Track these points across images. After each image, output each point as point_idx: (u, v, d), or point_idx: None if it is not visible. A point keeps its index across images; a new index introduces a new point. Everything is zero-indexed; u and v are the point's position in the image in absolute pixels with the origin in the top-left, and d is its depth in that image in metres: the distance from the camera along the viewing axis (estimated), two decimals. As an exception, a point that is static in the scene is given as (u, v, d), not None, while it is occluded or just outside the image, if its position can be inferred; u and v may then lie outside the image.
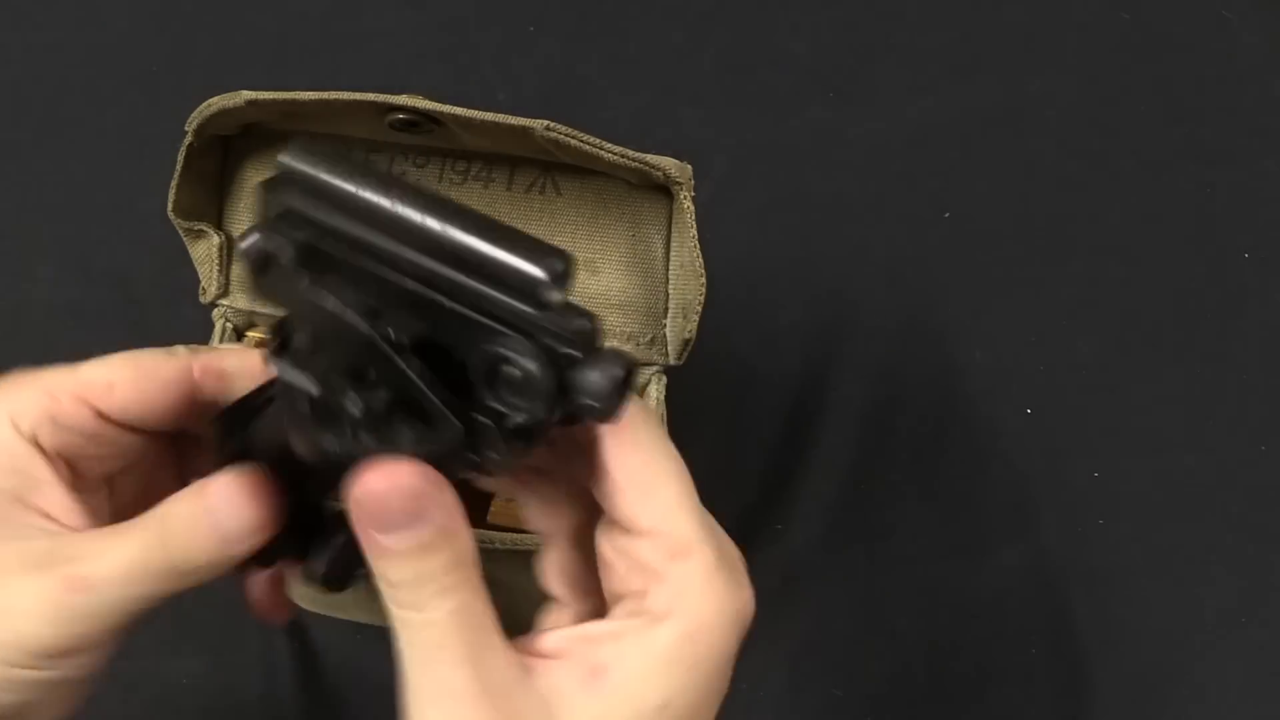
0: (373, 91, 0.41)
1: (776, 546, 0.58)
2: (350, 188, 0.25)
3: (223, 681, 0.55)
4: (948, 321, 0.65)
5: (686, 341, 0.44)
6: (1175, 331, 0.64)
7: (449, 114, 0.40)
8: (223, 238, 0.47)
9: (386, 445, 0.26)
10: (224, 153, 0.47)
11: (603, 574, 0.30)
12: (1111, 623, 0.56)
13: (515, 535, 0.41)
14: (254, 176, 0.46)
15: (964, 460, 0.61)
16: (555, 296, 0.24)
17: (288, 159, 0.26)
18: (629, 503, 0.28)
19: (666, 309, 0.45)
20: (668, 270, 0.44)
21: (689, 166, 0.41)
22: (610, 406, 0.25)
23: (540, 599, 0.32)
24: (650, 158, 0.41)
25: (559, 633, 0.29)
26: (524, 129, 0.40)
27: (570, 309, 0.25)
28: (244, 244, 0.26)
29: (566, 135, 0.40)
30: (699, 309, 0.43)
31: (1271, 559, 0.58)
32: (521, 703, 0.27)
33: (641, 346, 0.46)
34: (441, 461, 0.26)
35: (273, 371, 0.28)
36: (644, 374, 0.47)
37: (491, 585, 0.43)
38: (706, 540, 0.28)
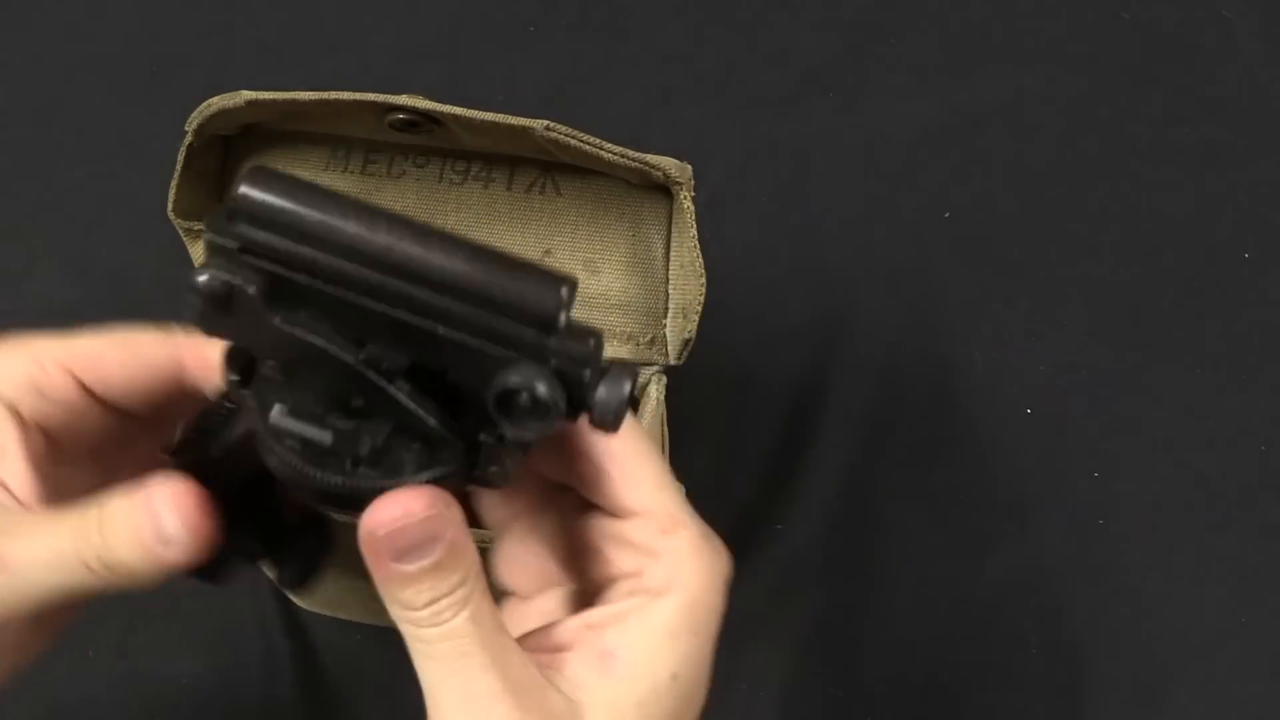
0: (373, 91, 0.41)
1: (776, 546, 0.58)
2: (326, 219, 0.25)
3: (223, 681, 0.55)
4: (948, 321, 0.65)
5: (686, 341, 0.44)
6: (1175, 331, 0.64)
7: (449, 114, 0.40)
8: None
9: (390, 475, 0.26)
10: (224, 153, 0.47)
11: (590, 562, 0.31)
12: (1111, 623, 0.56)
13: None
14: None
15: (964, 460, 0.61)
16: (564, 322, 0.25)
17: (248, 191, 0.25)
18: (617, 487, 0.29)
19: (666, 309, 0.45)
20: (668, 270, 0.44)
21: (689, 166, 0.41)
22: (617, 421, 0.26)
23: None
24: (650, 158, 0.41)
25: (562, 625, 0.29)
26: (524, 129, 0.40)
27: (574, 329, 0.25)
28: (200, 279, 0.25)
29: (566, 135, 0.40)
30: (699, 309, 0.43)
31: (1271, 559, 0.58)
32: (547, 698, 0.27)
33: (641, 346, 0.46)
34: (443, 480, 0.26)
35: (250, 405, 0.27)
36: (644, 374, 0.47)
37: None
38: (689, 513, 0.30)
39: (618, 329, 0.45)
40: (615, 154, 0.41)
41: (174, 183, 0.44)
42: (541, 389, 0.24)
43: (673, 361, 0.46)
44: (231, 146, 0.47)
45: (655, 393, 0.46)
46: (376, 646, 0.56)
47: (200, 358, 0.32)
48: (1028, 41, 0.76)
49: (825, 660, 0.56)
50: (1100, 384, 0.63)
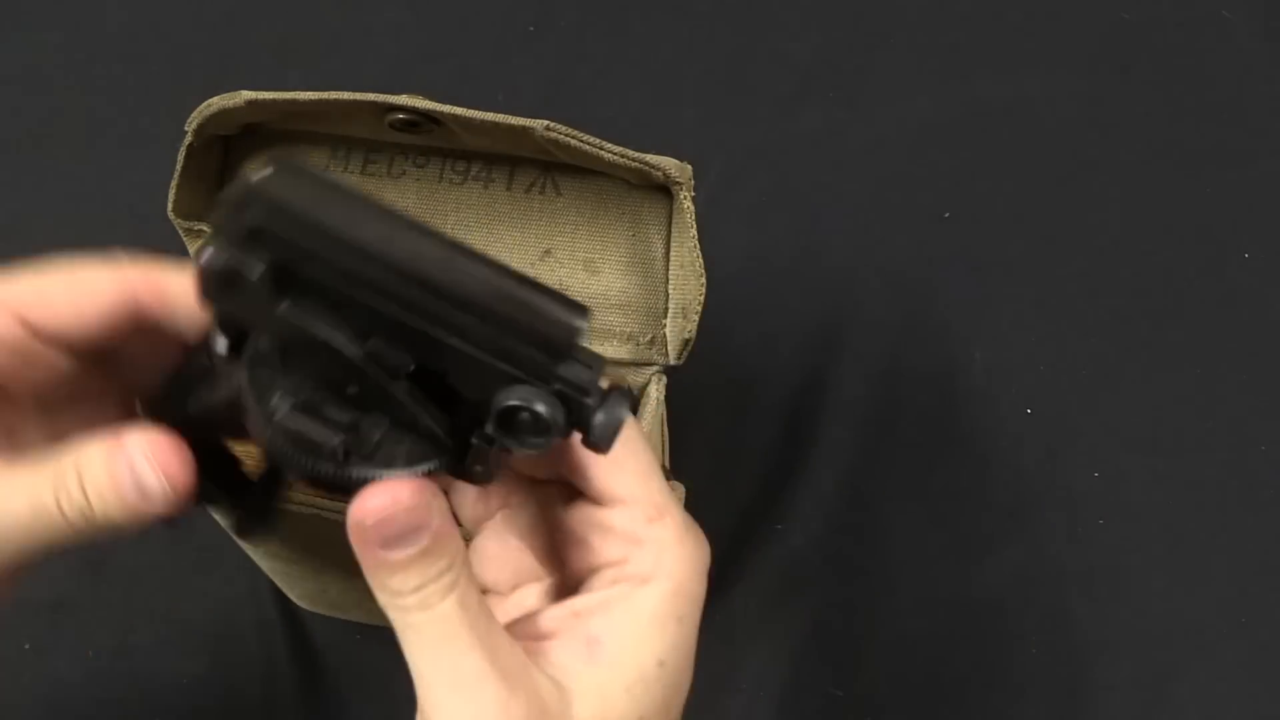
0: (373, 91, 0.41)
1: (776, 546, 0.58)
2: (353, 223, 0.25)
3: (223, 681, 0.55)
4: (948, 321, 0.65)
5: (686, 341, 0.44)
6: (1175, 331, 0.64)
7: (449, 114, 0.40)
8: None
9: (381, 466, 0.26)
10: (224, 153, 0.47)
11: (573, 551, 0.31)
12: (1111, 623, 0.56)
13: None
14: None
15: (964, 460, 0.61)
16: (579, 352, 0.26)
17: (275, 181, 0.24)
18: (604, 476, 0.30)
19: (666, 309, 0.45)
20: (668, 270, 0.44)
21: (689, 166, 0.41)
22: (610, 444, 0.27)
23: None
24: (650, 158, 0.41)
25: (547, 613, 0.30)
26: (524, 129, 0.40)
27: (581, 353, 0.26)
28: (204, 258, 0.25)
29: (566, 135, 0.40)
30: (699, 309, 0.43)
31: (1271, 559, 0.58)
32: (535, 681, 0.27)
33: (641, 346, 0.46)
34: (430, 475, 0.27)
35: (244, 385, 0.27)
36: (644, 374, 0.47)
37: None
38: (673, 502, 0.30)
39: (618, 329, 0.45)
40: (615, 154, 0.41)
41: (174, 183, 0.44)
42: (542, 409, 0.25)
43: (673, 361, 0.46)
44: (231, 146, 0.47)
45: (655, 393, 0.46)
46: (376, 646, 0.56)
47: (155, 290, 0.30)
48: (1028, 42, 0.76)
49: (825, 660, 0.56)
50: (1100, 384, 0.63)
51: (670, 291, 0.45)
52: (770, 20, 0.77)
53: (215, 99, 0.41)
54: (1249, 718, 0.54)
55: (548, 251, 0.46)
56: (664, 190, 0.43)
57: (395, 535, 0.26)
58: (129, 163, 0.67)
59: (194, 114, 0.42)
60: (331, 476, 0.26)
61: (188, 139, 0.43)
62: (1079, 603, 0.57)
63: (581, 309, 0.25)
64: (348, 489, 0.26)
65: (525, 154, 0.44)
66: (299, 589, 0.54)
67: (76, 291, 0.30)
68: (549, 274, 0.45)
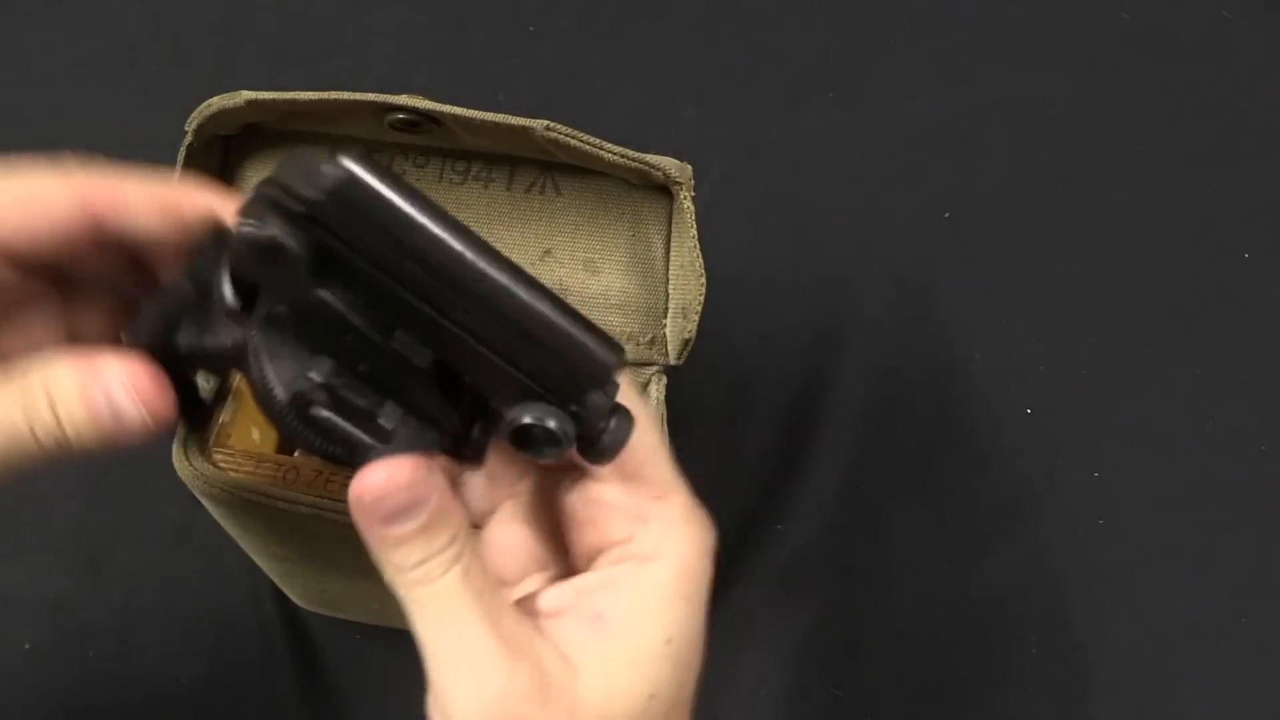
0: (373, 91, 0.41)
1: (776, 546, 0.58)
2: (431, 237, 0.25)
3: (223, 681, 0.55)
4: (948, 321, 0.65)
5: (686, 341, 0.44)
6: (1175, 331, 0.64)
7: (449, 114, 0.40)
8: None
9: (382, 444, 0.27)
10: (224, 153, 0.47)
11: (579, 532, 0.31)
12: (1111, 623, 0.56)
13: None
14: (254, 176, 0.46)
15: (964, 460, 0.61)
16: (612, 387, 0.27)
17: (361, 177, 0.24)
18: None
19: (666, 309, 0.45)
20: (668, 270, 0.44)
21: (689, 166, 0.41)
22: (612, 459, 0.28)
23: None
24: (650, 158, 0.41)
25: (552, 590, 0.30)
26: (524, 129, 0.40)
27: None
28: (247, 228, 0.25)
29: (566, 135, 0.40)
30: (699, 309, 0.43)
31: (1271, 559, 0.58)
32: (539, 652, 0.27)
33: (641, 346, 0.46)
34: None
35: (257, 350, 0.27)
36: (644, 374, 0.47)
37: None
38: (679, 482, 0.30)
39: (618, 329, 0.45)
40: (615, 154, 0.40)
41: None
42: (555, 425, 0.27)
43: (673, 361, 0.46)
44: (231, 146, 0.47)
45: (655, 393, 0.46)
46: (376, 646, 0.56)
47: (113, 199, 0.29)
48: (1028, 42, 0.76)
49: (825, 660, 0.56)
50: (1100, 384, 0.63)
51: (670, 291, 0.45)
52: (770, 20, 0.77)
53: (215, 99, 0.41)
54: (1249, 718, 0.54)
55: (548, 251, 0.46)
56: (664, 190, 0.43)
57: (394, 511, 0.26)
58: (129, 163, 0.67)
59: (194, 114, 0.42)
60: (335, 455, 0.27)
61: (188, 139, 0.43)
62: (1079, 603, 0.57)
63: (618, 347, 0.27)
64: (351, 465, 0.27)
65: (525, 154, 0.44)
66: (299, 589, 0.54)
67: (26, 202, 0.28)
68: (549, 274, 0.45)
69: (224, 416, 0.45)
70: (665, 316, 0.45)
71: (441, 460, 0.28)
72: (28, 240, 0.28)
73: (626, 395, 0.29)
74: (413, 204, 0.24)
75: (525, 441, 0.27)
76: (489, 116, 0.40)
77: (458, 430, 0.28)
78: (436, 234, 0.25)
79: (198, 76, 0.72)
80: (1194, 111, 0.72)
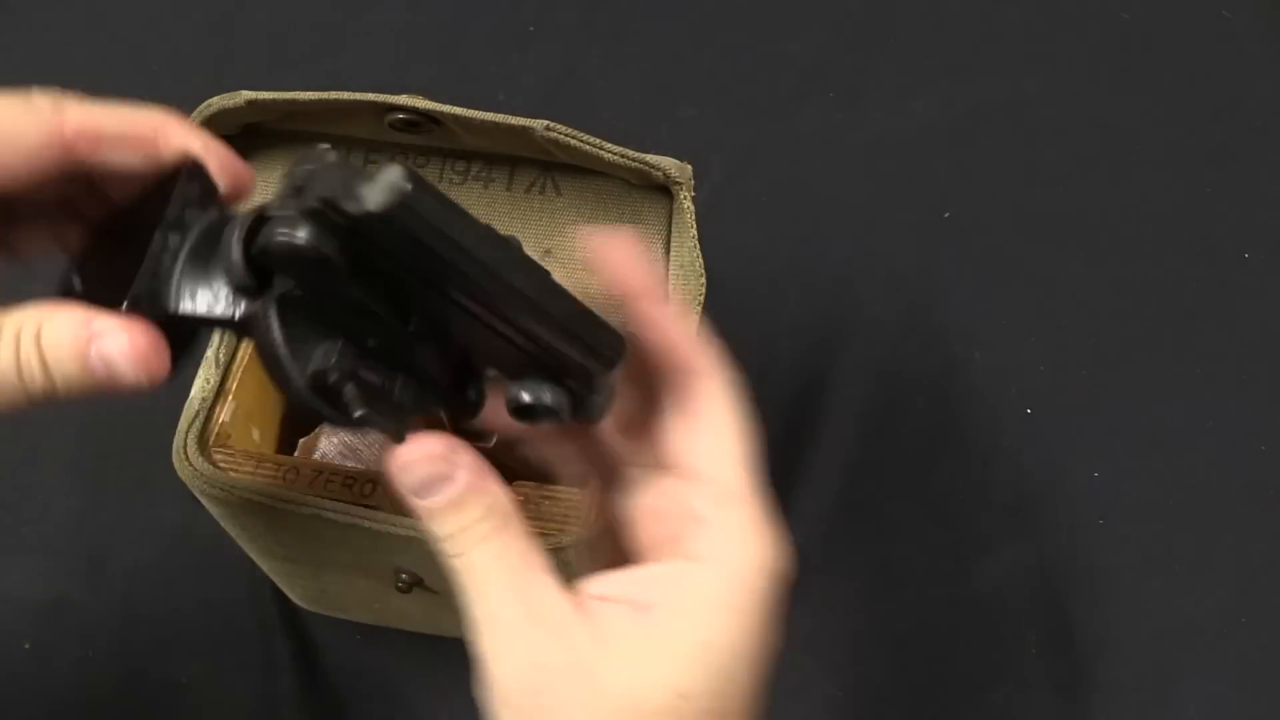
0: (373, 91, 0.41)
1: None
2: (467, 255, 0.26)
3: (223, 681, 0.55)
4: (948, 321, 0.65)
5: (686, 341, 0.44)
6: (1175, 331, 0.64)
7: (449, 114, 0.40)
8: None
9: (394, 412, 0.29)
10: (224, 153, 0.47)
11: (641, 523, 0.31)
12: (1111, 623, 0.56)
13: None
14: (254, 176, 0.46)
15: (964, 460, 0.61)
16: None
17: (409, 190, 0.24)
18: (689, 446, 0.30)
19: (666, 309, 0.45)
20: (668, 270, 0.44)
21: (689, 166, 0.41)
22: (598, 420, 0.30)
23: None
24: (650, 158, 0.41)
25: (606, 577, 0.30)
26: (524, 129, 0.40)
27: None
28: (282, 235, 0.25)
29: (566, 135, 0.40)
30: (699, 309, 0.43)
31: (1271, 559, 0.58)
32: (570, 629, 0.28)
33: (641, 346, 0.46)
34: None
35: (274, 333, 0.27)
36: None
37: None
38: (756, 495, 0.30)
39: (617, 328, 0.45)
40: (615, 154, 0.41)
41: (174, 183, 0.44)
42: (550, 399, 0.29)
43: (673, 361, 0.46)
44: (231, 146, 0.47)
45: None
46: (376, 646, 0.56)
47: (90, 135, 0.29)
48: (1028, 42, 0.76)
49: (825, 660, 0.56)
50: (1100, 384, 0.63)
51: (670, 291, 0.45)
52: (770, 20, 0.77)
53: (215, 99, 0.41)
54: (1249, 718, 0.54)
55: (548, 251, 0.46)
56: (664, 190, 0.43)
57: (422, 482, 0.28)
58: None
59: (194, 114, 0.42)
60: (346, 424, 0.29)
61: (188, 139, 0.43)
62: (1079, 602, 0.57)
63: (622, 342, 0.30)
64: (353, 426, 0.29)
65: (525, 154, 0.44)
66: (299, 589, 0.54)
67: (13, 146, 0.28)
68: (549, 274, 0.45)
69: (224, 416, 0.45)
70: (665, 316, 0.45)
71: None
72: (4, 180, 0.28)
73: (719, 401, 0.30)
74: (458, 225, 0.26)
75: (526, 413, 0.29)
76: (489, 116, 0.40)
77: (452, 390, 0.31)
78: (477, 255, 0.26)
79: (198, 76, 0.72)
80: (1194, 111, 0.72)
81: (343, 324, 0.28)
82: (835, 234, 0.68)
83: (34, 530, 0.59)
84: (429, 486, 0.29)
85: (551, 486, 0.44)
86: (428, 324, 0.29)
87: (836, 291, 0.65)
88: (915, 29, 0.76)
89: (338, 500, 0.42)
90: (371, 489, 0.43)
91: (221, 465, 0.44)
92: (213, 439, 0.45)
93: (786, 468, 0.60)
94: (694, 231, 0.42)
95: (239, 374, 0.46)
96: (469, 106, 0.40)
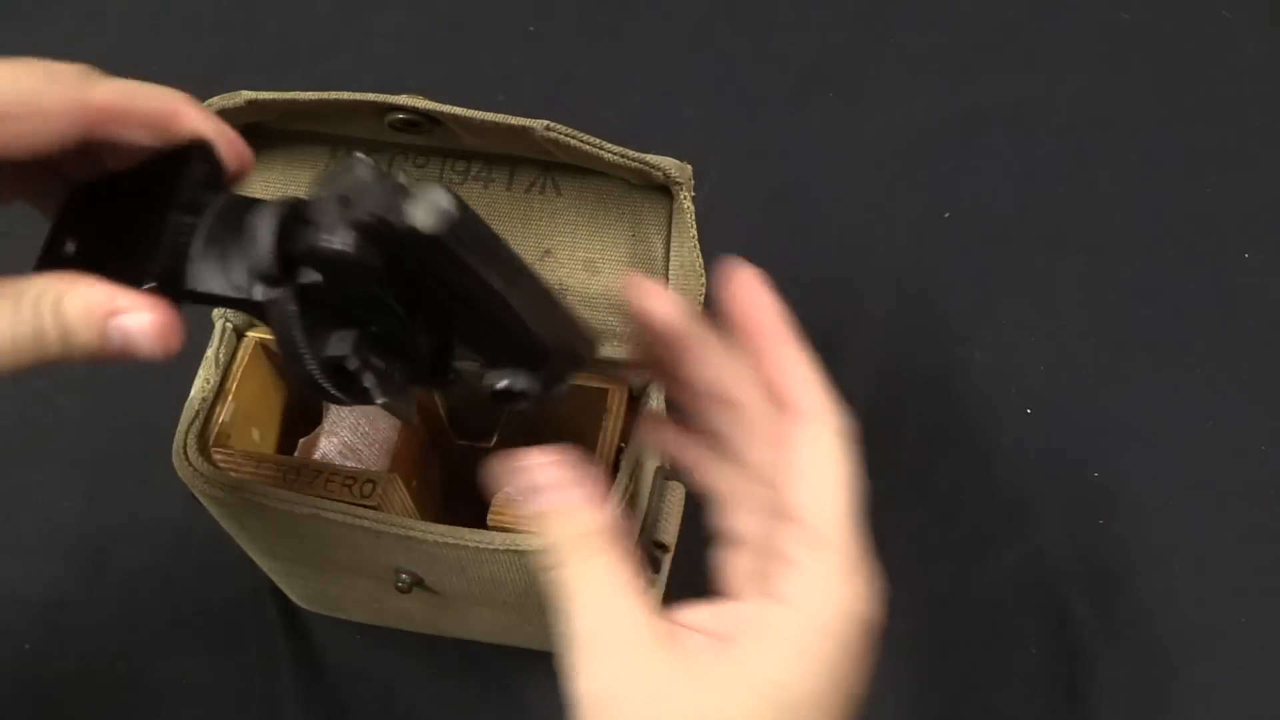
0: (373, 91, 0.41)
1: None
2: (495, 274, 0.29)
3: (223, 681, 0.55)
4: (948, 321, 0.65)
5: (686, 341, 0.44)
6: (1175, 331, 0.64)
7: (449, 114, 0.40)
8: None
9: (394, 391, 0.32)
10: (224, 153, 0.47)
11: (735, 558, 0.33)
12: (1111, 623, 0.56)
13: (515, 536, 0.41)
14: (255, 176, 0.46)
15: (964, 460, 0.61)
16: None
17: (456, 215, 0.27)
18: (793, 487, 0.31)
19: (666, 309, 0.45)
20: (668, 270, 0.44)
21: (689, 166, 0.41)
22: (551, 403, 0.34)
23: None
24: (650, 158, 0.41)
25: (696, 608, 0.31)
26: (524, 129, 0.40)
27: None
28: (331, 243, 0.27)
29: (566, 135, 0.40)
30: (699, 309, 0.43)
31: (1271, 559, 0.58)
32: (652, 653, 0.29)
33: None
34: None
35: (293, 324, 0.30)
36: (644, 374, 0.47)
37: (494, 584, 0.43)
38: (848, 543, 0.31)
39: (617, 329, 0.45)
40: (615, 154, 0.40)
41: (174, 183, 0.44)
42: (522, 384, 0.33)
43: (673, 361, 0.46)
44: (232, 146, 0.47)
45: (655, 393, 0.46)
46: (376, 647, 0.56)
47: (109, 104, 0.30)
48: (1028, 42, 0.76)
49: (825, 660, 0.56)
50: (1100, 384, 0.63)
51: (670, 291, 0.45)
52: (770, 20, 0.77)
53: (215, 99, 0.41)
54: (1249, 718, 0.54)
55: (548, 251, 0.46)
56: (664, 190, 0.43)
57: (540, 487, 0.31)
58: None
59: (194, 114, 0.42)
60: (348, 402, 0.32)
61: (188, 139, 0.43)
62: (1079, 603, 0.57)
63: (594, 347, 0.35)
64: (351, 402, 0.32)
65: (525, 154, 0.44)
66: (299, 589, 0.54)
67: (39, 119, 0.29)
68: (549, 274, 0.45)
69: (224, 416, 0.45)
70: (665, 316, 0.45)
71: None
72: (25, 148, 0.29)
73: (825, 445, 0.32)
74: (489, 244, 0.29)
75: (503, 397, 0.33)
76: (489, 116, 0.40)
77: (432, 371, 0.33)
78: (500, 270, 0.29)
79: (198, 76, 0.72)
80: (1194, 111, 0.72)
81: (355, 313, 0.30)
82: (835, 234, 0.68)
83: (34, 530, 0.59)
84: (543, 490, 0.31)
85: None
86: (431, 316, 0.31)
87: (836, 291, 0.65)
88: (915, 29, 0.76)
89: (338, 500, 0.42)
90: (371, 489, 0.43)
91: (221, 465, 0.44)
92: (213, 439, 0.45)
93: (786, 468, 0.60)
94: (694, 231, 0.42)
95: (239, 374, 0.46)
96: (469, 106, 0.40)
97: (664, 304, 0.33)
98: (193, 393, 0.45)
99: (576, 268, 0.45)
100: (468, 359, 0.34)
